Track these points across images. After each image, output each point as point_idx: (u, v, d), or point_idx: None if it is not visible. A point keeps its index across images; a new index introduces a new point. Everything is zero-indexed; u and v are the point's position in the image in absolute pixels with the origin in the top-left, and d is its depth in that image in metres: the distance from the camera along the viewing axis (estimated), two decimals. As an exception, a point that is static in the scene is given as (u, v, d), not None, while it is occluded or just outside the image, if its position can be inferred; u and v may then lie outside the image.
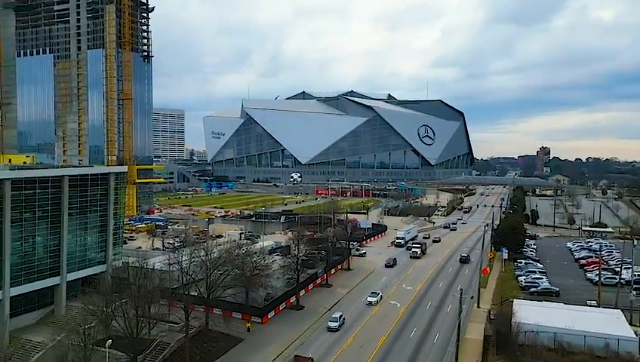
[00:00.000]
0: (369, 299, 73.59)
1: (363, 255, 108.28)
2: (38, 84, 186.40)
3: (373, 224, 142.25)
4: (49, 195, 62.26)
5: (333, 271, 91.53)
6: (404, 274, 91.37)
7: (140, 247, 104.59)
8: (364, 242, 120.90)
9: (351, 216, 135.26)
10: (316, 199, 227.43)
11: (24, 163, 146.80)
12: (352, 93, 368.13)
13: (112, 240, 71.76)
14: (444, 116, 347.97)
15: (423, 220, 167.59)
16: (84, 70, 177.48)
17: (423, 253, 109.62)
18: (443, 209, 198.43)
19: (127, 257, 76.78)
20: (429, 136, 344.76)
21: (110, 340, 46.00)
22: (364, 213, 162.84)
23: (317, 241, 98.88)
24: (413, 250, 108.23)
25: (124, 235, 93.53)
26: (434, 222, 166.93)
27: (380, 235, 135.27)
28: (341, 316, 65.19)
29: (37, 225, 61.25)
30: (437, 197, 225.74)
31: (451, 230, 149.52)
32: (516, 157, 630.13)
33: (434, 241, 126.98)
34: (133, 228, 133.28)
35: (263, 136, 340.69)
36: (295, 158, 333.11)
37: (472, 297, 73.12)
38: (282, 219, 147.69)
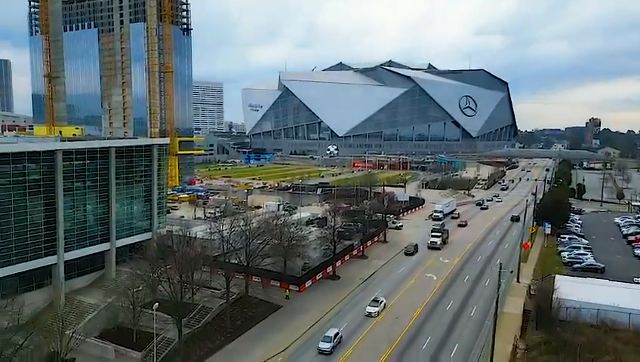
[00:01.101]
0: (368, 308, 60.11)
1: (399, 228, 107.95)
2: (84, 58, 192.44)
3: (410, 197, 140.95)
4: (97, 166, 65.14)
5: (369, 243, 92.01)
6: (422, 266, 79.12)
7: (183, 217, 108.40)
8: (400, 215, 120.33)
9: (388, 189, 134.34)
10: (353, 172, 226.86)
11: (73, 135, 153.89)
12: (390, 63, 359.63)
13: (157, 209, 74.67)
14: (487, 86, 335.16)
15: (462, 193, 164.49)
16: (127, 44, 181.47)
17: (444, 242, 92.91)
18: (483, 182, 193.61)
19: (171, 226, 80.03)
20: (470, 108, 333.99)
21: (157, 303, 48.50)
22: (402, 186, 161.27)
23: (353, 214, 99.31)
24: (431, 239, 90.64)
25: (168, 205, 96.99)
26: (473, 196, 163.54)
27: (417, 208, 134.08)
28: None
29: (87, 194, 64.47)
30: (477, 171, 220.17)
31: (482, 208, 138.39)
32: (563, 129, 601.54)
33: (459, 226, 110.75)
34: (176, 198, 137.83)
35: (299, 108, 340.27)
36: (332, 131, 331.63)
37: (511, 272, 71.87)
38: (319, 191, 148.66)
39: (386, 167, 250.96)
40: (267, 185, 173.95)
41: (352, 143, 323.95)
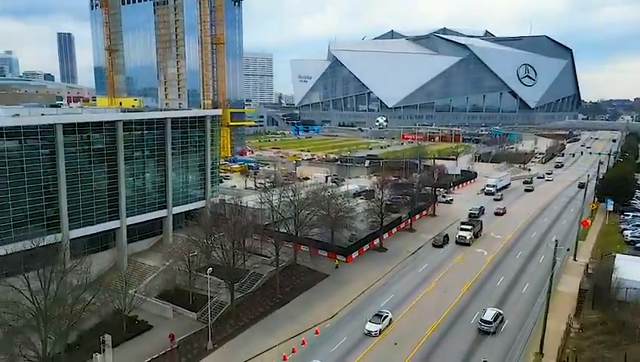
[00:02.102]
0: (368, 327, 49.02)
1: (450, 202, 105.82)
2: (141, 31, 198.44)
3: (462, 170, 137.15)
4: (155, 136, 68.08)
5: (417, 216, 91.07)
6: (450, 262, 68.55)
7: (235, 186, 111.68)
8: (451, 189, 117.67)
9: (438, 162, 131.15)
10: (402, 144, 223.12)
11: (132, 106, 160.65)
12: (444, 30, 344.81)
13: (210, 178, 77.40)
14: (548, 54, 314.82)
15: (517, 167, 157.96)
16: (180, 15, 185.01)
17: (476, 236, 79.28)
18: (541, 156, 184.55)
19: (224, 195, 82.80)
20: (529, 77, 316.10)
21: (211, 268, 50.92)
22: (453, 159, 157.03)
23: (402, 186, 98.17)
24: (460, 233, 76.60)
25: (220, 175, 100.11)
26: (529, 169, 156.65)
27: (469, 182, 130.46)
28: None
29: (145, 163, 67.76)
30: (535, 144, 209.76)
31: (527, 191, 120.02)
32: (632, 100, 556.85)
33: (496, 214, 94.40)
34: (228, 168, 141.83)
35: (348, 79, 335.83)
36: (381, 102, 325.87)
37: (568, 249, 69.03)
38: (367, 163, 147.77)
39: (437, 139, 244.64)
40: (315, 156, 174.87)
41: (402, 115, 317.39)
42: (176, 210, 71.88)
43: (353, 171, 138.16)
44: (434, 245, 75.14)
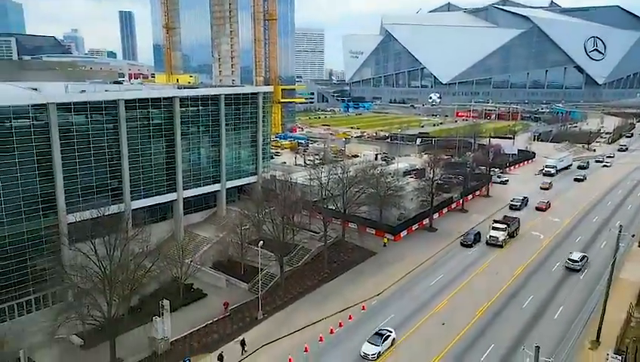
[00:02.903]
0: (365, 349, 41.98)
1: (505, 182, 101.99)
2: (197, 8, 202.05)
3: (519, 150, 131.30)
4: (209, 112, 70.01)
5: (470, 196, 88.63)
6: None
7: (285, 162, 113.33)
8: (507, 169, 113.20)
9: (494, 141, 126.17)
10: (456, 122, 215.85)
11: (188, 82, 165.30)
12: (504, 2, 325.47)
13: (261, 154, 78.92)
14: (620, 25, 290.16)
15: (580, 148, 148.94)
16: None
17: (512, 235, 68.94)
18: (607, 136, 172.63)
19: (274, 171, 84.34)
20: (598, 50, 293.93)
21: (262, 241, 52.47)
22: (510, 138, 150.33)
23: (454, 166, 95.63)
24: (491, 233, 66.75)
25: (271, 151, 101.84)
26: (594, 150, 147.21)
27: (526, 162, 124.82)
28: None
29: (200, 138, 70.04)
30: (601, 122, 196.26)
31: (576, 180, 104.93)
32: None
33: (537, 209, 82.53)
34: (279, 144, 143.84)
35: (401, 54, 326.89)
36: (435, 78, 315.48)
37: (632, 235, 64.95)
38: (418, 141, 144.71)
39: (493, 117, 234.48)
40: (365, 134, 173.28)
41: (457, 91, 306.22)
42: (229, 184, 74.10)
43: (404, 149, 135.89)
44: (462, 244, 66.65)
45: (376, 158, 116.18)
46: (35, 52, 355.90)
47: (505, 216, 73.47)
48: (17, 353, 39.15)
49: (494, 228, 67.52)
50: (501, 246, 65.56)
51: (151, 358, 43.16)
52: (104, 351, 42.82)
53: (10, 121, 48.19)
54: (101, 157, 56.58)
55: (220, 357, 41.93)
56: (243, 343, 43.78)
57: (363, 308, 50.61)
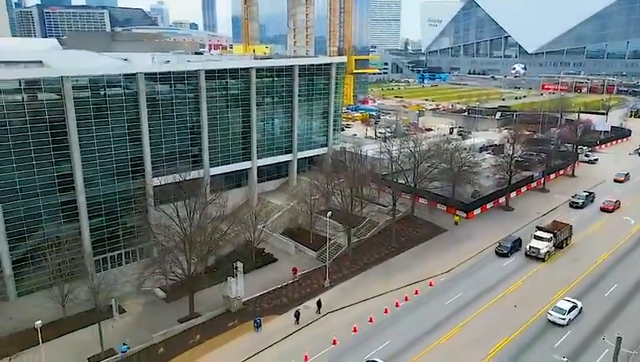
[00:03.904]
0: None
1: (593, 162, 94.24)
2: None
3: (612, 127, 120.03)
4: (283, 83, 71.05)
5: (553, 175, 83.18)
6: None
7: (355, 135, 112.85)
8: (597, 147, 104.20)
9: (584, 117, 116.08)
10: (541, 95, 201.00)
11: (264, 53, 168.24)
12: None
13: (332, 126, 79.13)
14: None
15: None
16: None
17: (559, 246, 56.87)
18: None
19: (344, 143, 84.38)
20: None
21: (330, 212, 53.29)
22: (603, 114, 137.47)
23: (537, 142, 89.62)
24: (532, 244, 55.35)
25: (342, 123, 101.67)
26: None
27: (619, 141, 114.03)
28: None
29: (274, 109, 71.56)
30: None
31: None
32: None
33: (602, 210, 68.45)
34: (350, 116, 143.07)
35: (484, 22, 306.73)
36: (520, 47, 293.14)
37: None
38: (497, 115, 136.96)
39: (584, 90, 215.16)
40: (440, 106, 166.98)
41: (544, 62, 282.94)
42: (301, 155, 75.42)
43: (482, 123, 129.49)
44: (497, 253, 56.41)
45: (451, 132, 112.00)
46: (125, 24, 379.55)
47: (554, 222, 59.75)
48: (110, 301, 43.86)
49: (536, 238, 55.68)
50: (543, 260, 54.52)
51: (225, 315, 46.17)
52: (184, 304, 46.49)
53: (105, 90, 52.32)
54: (183, 126, 59.88)
55: (297, 314, 44.42)
56: (319, 304, 45.83)
57: (430, 284, 50.14)
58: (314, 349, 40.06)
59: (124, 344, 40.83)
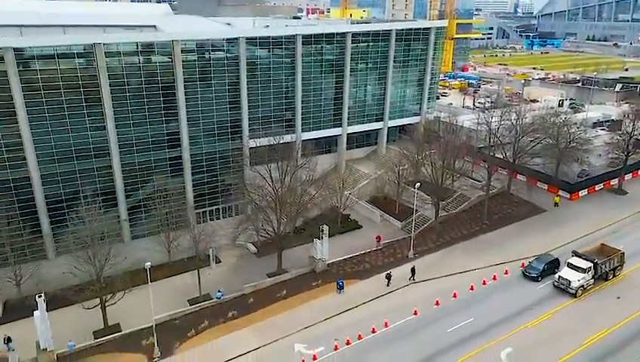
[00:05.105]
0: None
1: None
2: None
3: None
4: (378, 48, 69.41)
5: (680, 158, 72.88)
6: None
7: (451, 104, 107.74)
8: None
9: None
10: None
11: (361, 17, 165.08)
12: None
13: (427, 94, 76.17)
14: None
15: None
16: None
17: (604, 278, 45.06)
18: None
19: (439, 112, 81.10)
20: None
21: (419, 183, 52.22)
22: None
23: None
24: (562, 274, 43.90)
25: (438, 91, 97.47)
26: None
27: None
28: None
29: (367, 75, 70.46)
30: None
31: None
32: None
33: None
34: (447, 84, 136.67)
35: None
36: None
37: None
38: (618, 87, 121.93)
39: None
40: (550, 76, 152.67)
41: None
42: (392, 123, 74.02)
43: (598, 96, 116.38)
44: (525, 274, 46.23)
45: (560, 105, 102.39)
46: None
47: (602, 246, 47.36)
48: (208, 250, 47.91)
49: (570, 266, 44.08)
50: (574, 296, 42.87)
51: (310, 274, 48.19)
52: (272, 260, 49.30)
53: (209, 53, 55.30)
54: (278, 90, 61.56)
55: (388, 276, 45.41)
56: (413, 271, 46.08)
57: (522, 266, 47.60)
58: (394, 317, 40.52)
59: (219, 291, 44.61)
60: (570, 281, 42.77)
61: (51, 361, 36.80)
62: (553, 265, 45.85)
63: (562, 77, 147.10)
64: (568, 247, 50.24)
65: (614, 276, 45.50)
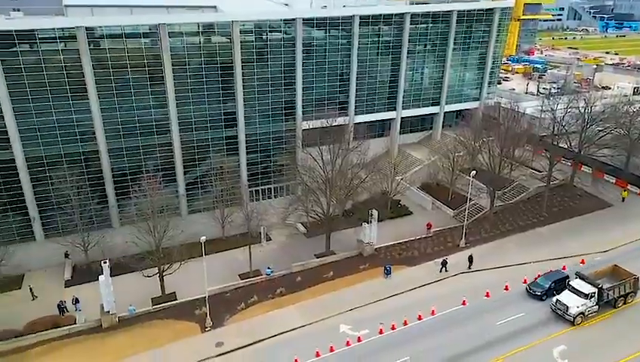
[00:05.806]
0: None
1: None
2: None
3: None
4: (438, 30, 67.02)
5: None
6: None
7: (514, 89, 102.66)
8: None
9: None
10: None
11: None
12: None
13: (488, 78, 72.91)
14: None
15: None
16: None
17: (612, 304, 39.03)
18: None
19: (500, 97, 77.60)
20: None
21: (475, 171, 50.51)
22: None
23: None
24: (560, 298, 38.37)
25: (500, 75, 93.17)
26: None
27: None
28: None
29: (425, 58, 68.41)
30: None
31: None
32: None
33: None
34: (509, 68, 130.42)
35: None
36: None
37: None
38: None
39: None
40: (625, 61, 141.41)
41: None
42: (448, 108, 71.78)
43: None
44: (528, 292, 41.29)
45: (635, 92, 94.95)
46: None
47: (614, 267, 41.49)
48: (259, 228, 49.26)
49: (571, 289, 38.57)
50: (572, 323, 37.50)
51: (357, 258, 48.39)
52: (321, 241, 49.93)
53: (267, 34, 55.82)
54: (333, 72, 61.21)
55: (444, 263, 44.92)
56: (471, 259, 45.39)
57: (582, 262, 45.24)
58: (442, 305, 39.98)
59: (269, 268, 45.94)
60: (567, 307, 37.46)
61: (113, 323, 39.65)
62: (562, 284, 40.37)
63: (639, 63, 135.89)
64: (635, 245, 47.20)
65: (625, 303, 39.41)
